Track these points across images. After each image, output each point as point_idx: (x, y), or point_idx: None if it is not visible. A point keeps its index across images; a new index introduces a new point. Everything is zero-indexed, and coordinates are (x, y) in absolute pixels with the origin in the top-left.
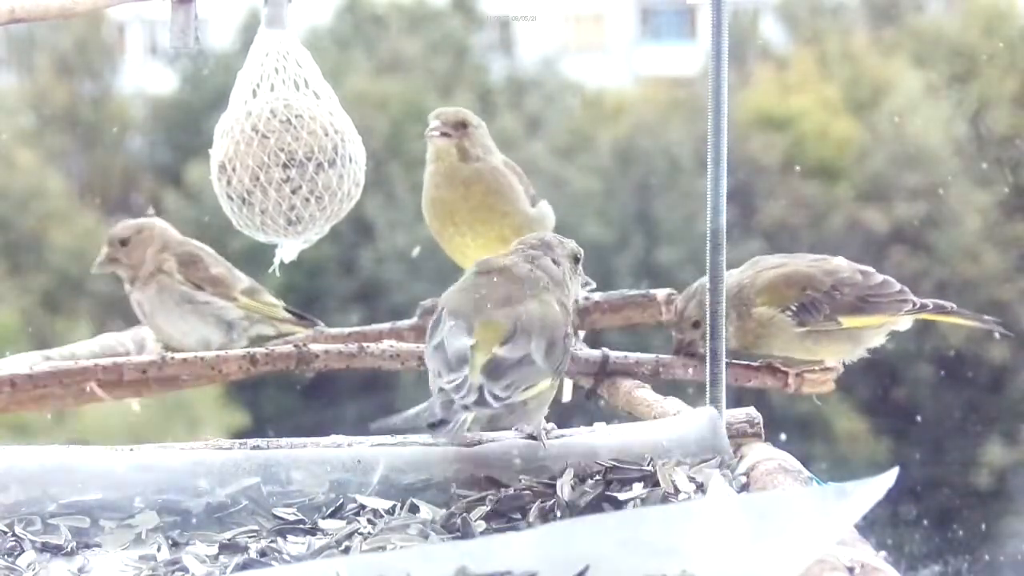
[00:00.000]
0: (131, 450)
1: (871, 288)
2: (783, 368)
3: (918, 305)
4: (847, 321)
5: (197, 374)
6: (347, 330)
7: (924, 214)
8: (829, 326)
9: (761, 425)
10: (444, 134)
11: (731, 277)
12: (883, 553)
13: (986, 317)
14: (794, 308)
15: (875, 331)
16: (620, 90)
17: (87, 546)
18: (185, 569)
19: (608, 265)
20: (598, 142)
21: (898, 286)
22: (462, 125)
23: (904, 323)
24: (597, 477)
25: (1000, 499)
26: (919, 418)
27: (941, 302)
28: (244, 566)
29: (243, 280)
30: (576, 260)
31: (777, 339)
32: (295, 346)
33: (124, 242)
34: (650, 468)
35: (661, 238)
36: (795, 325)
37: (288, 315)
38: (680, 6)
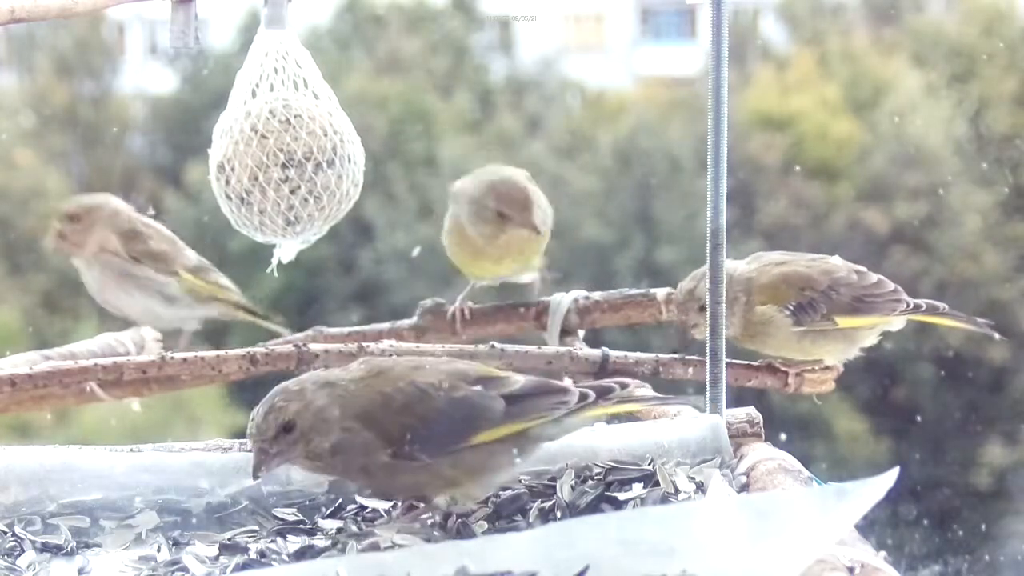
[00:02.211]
0: (131, 450)
1: (866, 288)
2: (783, 368)
3: (911, 305)
4: (843, 321)
5: (197, 374)
6: (347, 330)
7: (924, 214)
8: (825, 326)
9: (761, 425)
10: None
11: (738, 269)
12: (883, 553)
13: (980, 320)
14: (791, 308)
15: (869, 331)
16: (620, 90)
17: (87, 546)
18: (185, 569)
19: (608, 265)
20: (598, 142)
21: (892, 286)
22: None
23: (897, 323)
24: (597, 477)
25: (1000, 499)
26: (919, 418)
27: (934, 303)
28: (244, 566)
29: (191, 259)
30: None
31: (775, 338)
32: (295, 346)
33: (73, 218)
34: (650, 468)
35: (661, 238)
36: (792, 325)
37: (241, 300)
38: (680, 6)
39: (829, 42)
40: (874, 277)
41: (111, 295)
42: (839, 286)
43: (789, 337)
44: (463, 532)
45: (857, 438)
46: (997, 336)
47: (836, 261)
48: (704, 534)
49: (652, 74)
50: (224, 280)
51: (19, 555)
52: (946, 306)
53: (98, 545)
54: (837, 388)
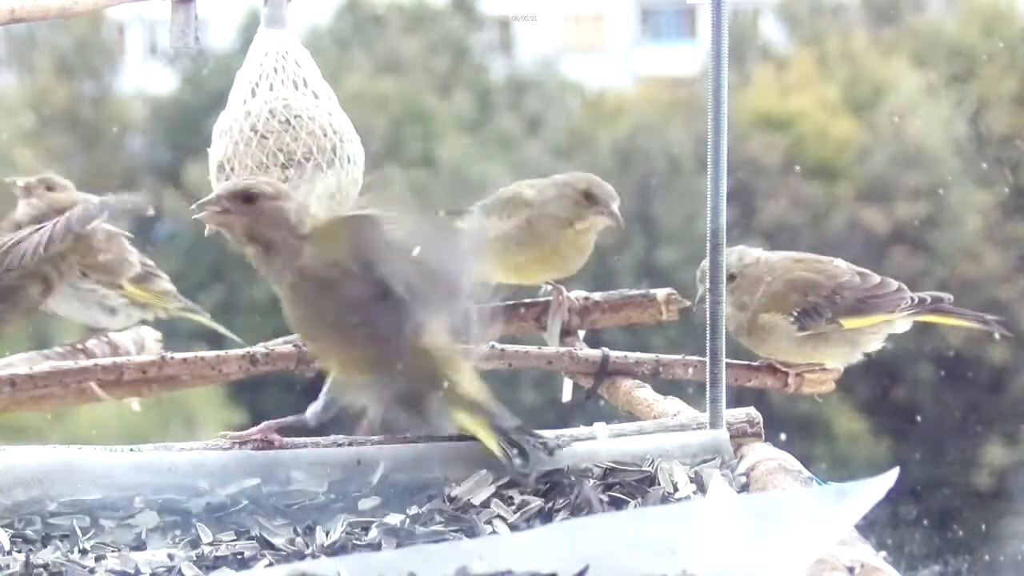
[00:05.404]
0: (131, 450)
1: (869, 290)
2: (783, 368)
3: (916, 301)
4: (847, 323)
5: (197, 374)
6: None
7: (924, 214)
8: (829, 328)
9: (761, 425)
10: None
11: (765, 257)
12: (883, 553)
13: (987, 316)
14: (795, 313)
15: (873, 334)
16: (620, 90)
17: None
18: (184, 570)
19: (608, 265)
20: (598, 142)
21: (895, 285)
22: None
23: (903, 324)
24: (597, 477)
25: (1000, 499)
26: (919, 418)
27: (939, 294)
28: (244, 566)
29: (135, 266)
30: None
31: (778, 343)
32: (295, 346)
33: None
34: (650, 468)
35: (661, 238)
36: (796, 330)
37: (180, 303)
38: (680, 6)
39: (829, 42)
40: (877, 278)
41: (53, 302)
42: (843, 290)
43: (793, 342)
44: (465, 532)
45: (857, 438)
46: (1004, 332)
47: (840, 264)
48: (704, 534)
49: (652, 74)
50: (165, 284)
51: (19, 555)
52: (950, 297)
53: (98, 545)
54: (837, 388)
